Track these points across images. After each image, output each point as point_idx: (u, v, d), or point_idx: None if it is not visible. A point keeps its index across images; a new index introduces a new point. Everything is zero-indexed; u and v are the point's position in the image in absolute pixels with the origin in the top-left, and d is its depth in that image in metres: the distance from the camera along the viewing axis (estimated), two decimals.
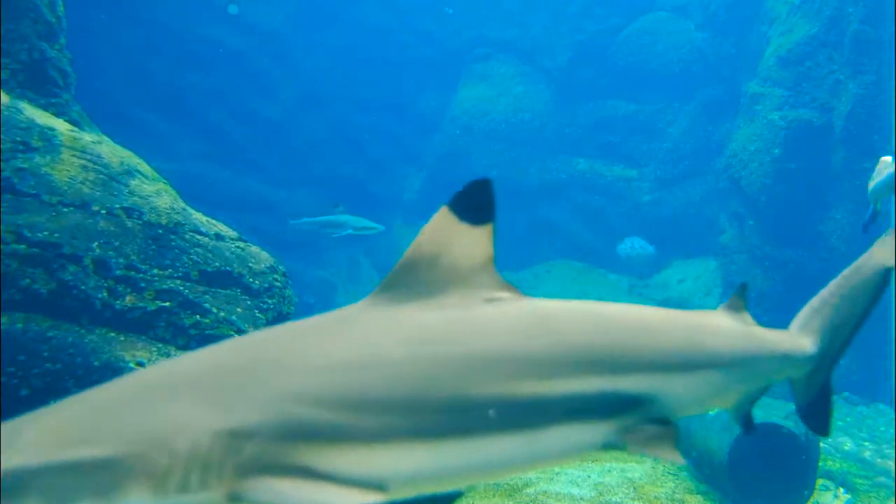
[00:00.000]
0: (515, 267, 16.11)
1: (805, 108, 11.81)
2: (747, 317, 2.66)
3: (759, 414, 7.06)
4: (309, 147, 16.46)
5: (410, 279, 2.06)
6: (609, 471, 7.70)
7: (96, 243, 4.37)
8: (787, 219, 11.69)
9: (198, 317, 4.61)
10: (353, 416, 1.79)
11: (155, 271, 4.55)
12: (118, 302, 4.37)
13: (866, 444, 8.99)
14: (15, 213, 4.23)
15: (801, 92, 11.90)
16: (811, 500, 6.76)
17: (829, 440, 8.98)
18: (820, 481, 7.39)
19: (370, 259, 16.66)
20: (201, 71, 15.05)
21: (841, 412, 10.41)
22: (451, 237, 2.08)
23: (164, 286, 4.54)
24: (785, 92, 12.04)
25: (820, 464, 6.95)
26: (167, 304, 4.50)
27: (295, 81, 16.49)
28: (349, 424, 1.78)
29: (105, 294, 4.35)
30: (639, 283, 15.05)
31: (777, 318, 10.77)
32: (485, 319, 2.04)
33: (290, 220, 12.68)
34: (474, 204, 2.10)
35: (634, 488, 7.21)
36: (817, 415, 2.83)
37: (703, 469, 7.43)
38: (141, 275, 4.49)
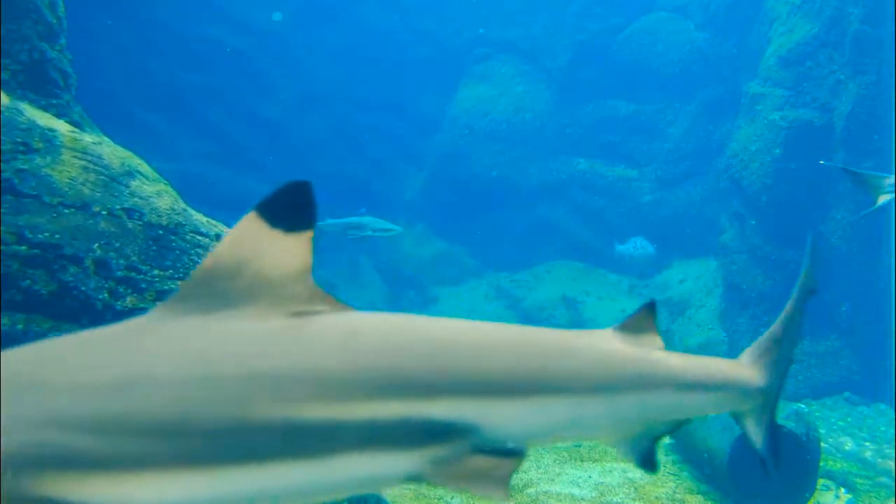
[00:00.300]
0: (515, 267, 16.12)
1: (806, 108, 11.81)
2: (652, 338, 2.34)
3: None
4: (309, 147, 16.46)
5: (208, 290, 1.89)
6: (610, 471, 7.70)
7: (97, 244, 4.37)
8: (788, 219, 11.69)
9: None
10: (115, 440, 1.63)
11: (156, 272, 4.55)
12: (119, 303, 4.37)
13: (867, 444, 8.99)
14: (16, 214, 4.23)
15: (802, 92, 11.90)
16: (812, 500, 6.77)
17: (830, 440, 8.98)
18: (821, 481, 7.39)
19: (371, 259, 16.66)
20: (202, 71, 15.05)
21: (842, 412, 10.41)
22: (258, 244, 1.93)
23: (166, 287, 4.54)
24: (785, 92, 12.04)
25: (821, 464, 6.95)
26: None
27: (295, 81, 16.49)
28: (110, 450, 1.62)
29: (106, 295, 4.35)
30: (639, 283, 15.06)
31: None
32: (281, 335, 1.87)
33: (318, 222, 12.73)
34: (289, 208, 1.98)
35: (635, 488, 7.21)
36: (771, 450, 2.60)
37: (703, 469, 7.44)
38: (142, 276, 4.49)
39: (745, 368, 2.46)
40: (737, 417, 2.48)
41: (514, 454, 1.99)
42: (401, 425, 1.85)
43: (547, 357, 2.08)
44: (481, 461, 1.93)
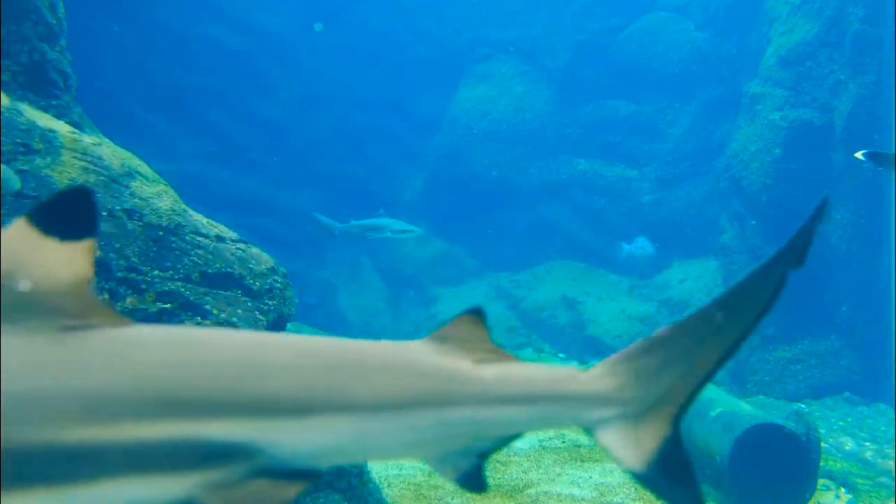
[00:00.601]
0: (515, 267, 16.12)
1: (806, 108, 11.81)
2: (474, 347, 2.12)
3: (760, 414, 7.08)
4: (309, 147, 16.47)
5: None
6: (611, 471, 7.70)
7: (97, 245, 4.38)
8: (788, 219, 11.64)
9: (199, 318, 4.60)
10: None
11: (156, 273, 4.55)
12: (119, 304, 4.37)
13: (867, 444, 8.99)
14: (15, 215, 4.24)
15: (802, 92, 11.91)
16: (812, 500, 6.76)
17: (831, 440, 8.98)
18: (821, 481, 7.39)
19: (372, 260, 16.66)
20: (201, 71, 15.05)
21: (842, 412, 10.41)
22: (27, 254, 1.78)
23: (166, 288, 4.54)
24: (785, 92, 12.05)
25: (821, 464, 6.95)
26: (168, 305, 4.50)
27: (295, 81, 16.49)
28: None
29: (106, 296, 4.35)
30: (639, 283, 15.06)
31: (777, 318, 10.80)
32: (45, 352, 1.73)
33: (338, 224, 12.69)
34: (65, 216, 1.81)
35: (635, 489, 7.21)
36: (669, 478, 2.14)
37: (704, 470, 7.43)
38: (142, 276, 4.49)
39: (594, 378, 2.15)
40: (590, 430, 2.17)
41: (301, 476, 1.88)
42: (172, 448, 1.74)
43: (337, 373, 1.96)
44: (263, 484, 1.83)
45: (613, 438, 2.14)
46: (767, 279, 2.21)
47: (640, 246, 14.24)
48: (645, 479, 2.13)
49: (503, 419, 2.09)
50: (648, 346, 2.17)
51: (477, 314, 2.20)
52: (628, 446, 2.13)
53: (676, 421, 2.19)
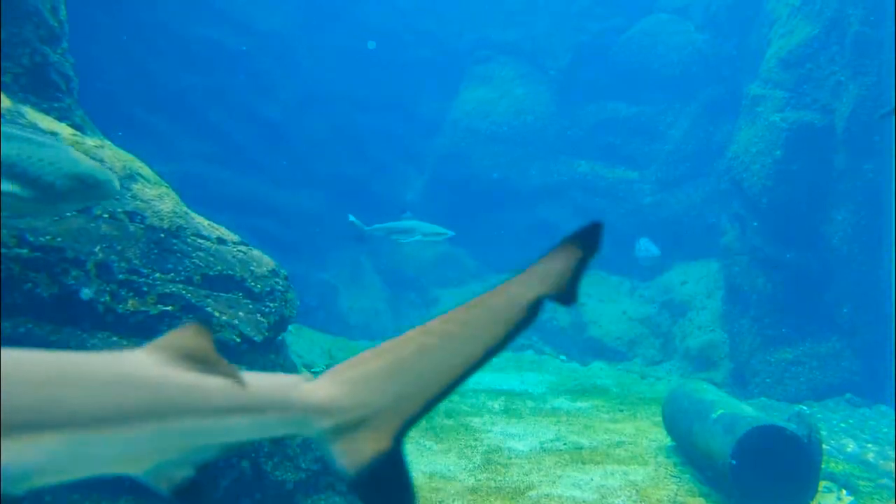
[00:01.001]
0: (517, 269, 16.10)
1: (806, 109, 11.81)
2: (192, 359, 2.05)
3: (762, 416, 7.07)
4: (310, 148, 16.48)
5: None
6: (612, 474, 7.70)
7: (98, 247, 4.37)
8: (789, 220, 11.69)
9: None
10: None
11: (157, 275, 4.55)
12: (121, 306, 4.37)
13: (869, 445, 8.98)
14: (17, 217, 4.24)
15: (803, 93, 11.90)
16: (814, 502, 6.76)
17: (832, 442, 8.98)
18: (823, 483, 7.38)
19: (372, 261, 16.67)
20: (202, 72, 15.06)
21: (843, 414, 10.41)
22: None
23: (167, 290, 4.53)
24: (786, 94, 12.05)
25: (822, 466, 6.95)
26: (170, 308, 4.50)
27: (296, 82, 16.50)
28: None
29: (107, 298, 4.35)
30: (640, 285, 15.05)
31: (779, 320, 10.80)
32: None
33: (366, 227, 12.41)
34: None
35: (637, 491, 7.21)
36: (378, 493, 2.09)
37: (705, 472, 7.43)
38: (143, 279, 4.49)
39: (318, 388, 2.08)
40: (314, 438, 2.11)
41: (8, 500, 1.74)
42: None
43: (47, 387, 1.84)
44: None
45: (334, 446, 2.09)
46: (515, 301, 2.11)
47: (639, 247, 14.23)
48: (355, 488, 2.09)
49: (225, 428, 2.04)
50: (376, 357, 2.10)
51: (204, 323, 2.11)
52: (345, 455, 2.07)
53: (399, 435, 2.11)
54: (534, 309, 2.08)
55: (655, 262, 14.41)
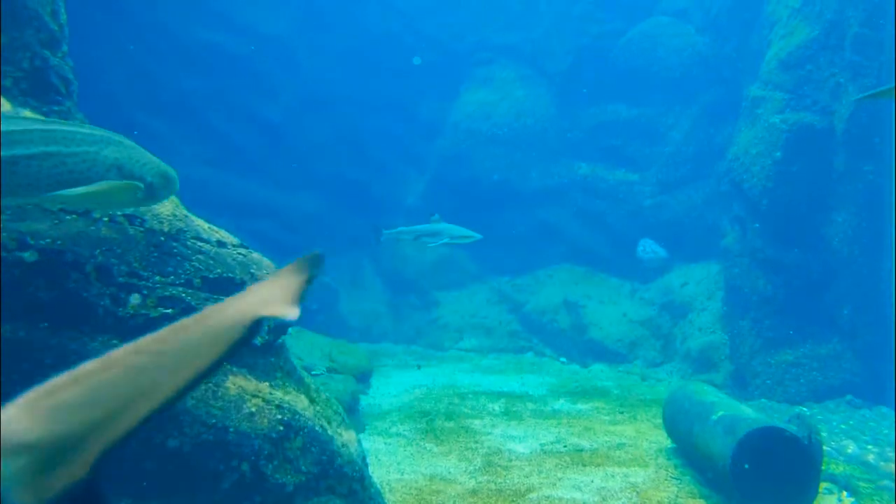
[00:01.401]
0: (517, 271, 16.13)
1: (806, 111, 11.81)
2: None
3: (762, 417, 7.07)
4: (311, 150, 16.50)
5: None
6: (612, 476, 7.70)
7: (98, 251, 4.38)
8: (790, 222, 11.70)
9: None
10: None
11: (157, 278, 4.56)
12: (121, 309, 4.37)
13: (870, 447, 8.97)
14: (18, 220, 4.25)
15: (803, 95, 11.91)
16: (815, 503, 6.75)
17: (833, 443, 8.97)
18: (823, 485, 7.39)
19: (373, 264, 16.69)
20: (203, 75, 15.09)
21: (844, 415, 10.40)
22: None
23: (167, 293, 4.54)
24: (786, 95, 12.05)
25: (823, 467, 6.94)
26: (169, 311, 4.51)
27: (297, 85, 16.53)
28: None
29: (108, 301, 4.36)
30: (641, 287, 15.05)
31: (779, 322, 10.78)
32: None
33: (385, 230, 12.24)
34: None
35: (637, 493, 7.21)
36: None
37: (706, 474, 7.43)
38: (143, 282, 4.50)
39: (9, 418, 1.84)
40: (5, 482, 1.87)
41: None
42: None
43: None
44: None
45: (22, 481, 1.85)
46: (233, 322, 1.99)
47: (644, 248, 14.20)
48: None
49: None
50: (74, 382, 1.91)
51: None
52: (33, 489, 1.86)
53: (97, 464, 1.92)
54: (251, 330, 1.98)
55: (662, 263, 14.40)
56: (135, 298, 4.46)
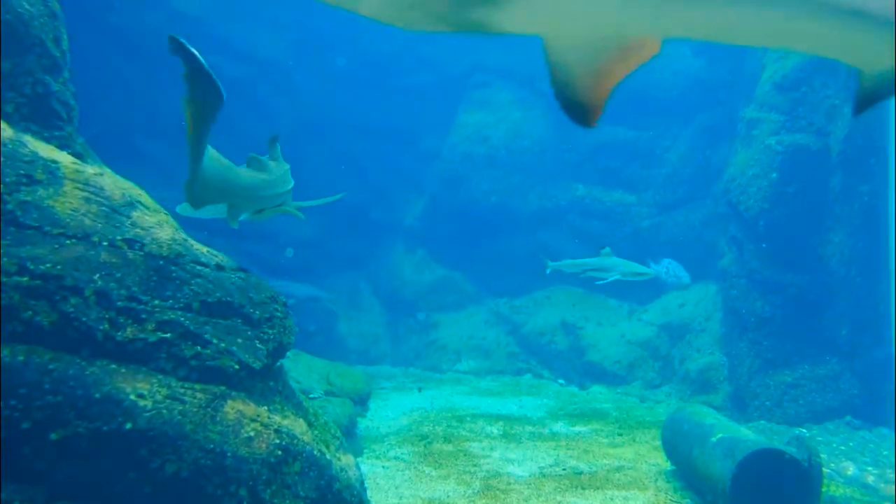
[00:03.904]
0: (515, 293, 16.13)
1: (802, 132, 11.90)
2: None
3: (762, 439, 7.05)
4: (309, 173, 16.50)
5: None
6: (611, 499, 7.66)
7: (98, 275, 4.39)
8: (787, 243, 11.73)
9: (198, 348, 4.61)
10: None
11: (156, 302, 4.57)
12: (119, 333, 4.38)
13: (869, 468, 8.94)
14: (18, 245, 4.26)
15: (798, 117, 12.00)
16: None
17: (832, 465, 8.94)
18: None
19: (371, 286, 16.68)
20: None
21: (843, 437, 10.37)
22: None
23: (166, 317, 4.55)
24: (781, 117, 12.14)
25: (823, 489, 6.92)
26: (168, 335, 4.51)
27: (295, 107, 16.61)
28: None
29: (106, 326, 4.36)
30: (639, 308, 15.06)
31: (778, 343, 10.79)
32: None
33: (550, 261, 11.99)
34: None
35: None
36: None
37: (705, 496, 7.40)
38: (142, 306, 4.50)
39: None
40: None
41: None
42: None
43: None
44: None
45: None
46: None
47: (667, 270, 13.75)
48: None
49: None
50: None
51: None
52: None
53: None
54: None
55: (682, 287, 14.19)
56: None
